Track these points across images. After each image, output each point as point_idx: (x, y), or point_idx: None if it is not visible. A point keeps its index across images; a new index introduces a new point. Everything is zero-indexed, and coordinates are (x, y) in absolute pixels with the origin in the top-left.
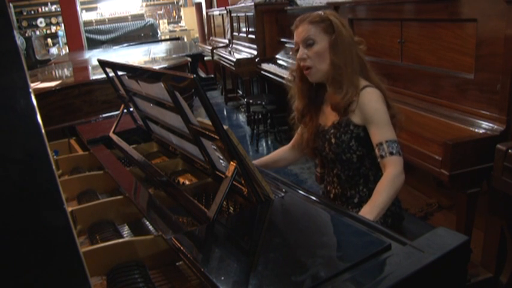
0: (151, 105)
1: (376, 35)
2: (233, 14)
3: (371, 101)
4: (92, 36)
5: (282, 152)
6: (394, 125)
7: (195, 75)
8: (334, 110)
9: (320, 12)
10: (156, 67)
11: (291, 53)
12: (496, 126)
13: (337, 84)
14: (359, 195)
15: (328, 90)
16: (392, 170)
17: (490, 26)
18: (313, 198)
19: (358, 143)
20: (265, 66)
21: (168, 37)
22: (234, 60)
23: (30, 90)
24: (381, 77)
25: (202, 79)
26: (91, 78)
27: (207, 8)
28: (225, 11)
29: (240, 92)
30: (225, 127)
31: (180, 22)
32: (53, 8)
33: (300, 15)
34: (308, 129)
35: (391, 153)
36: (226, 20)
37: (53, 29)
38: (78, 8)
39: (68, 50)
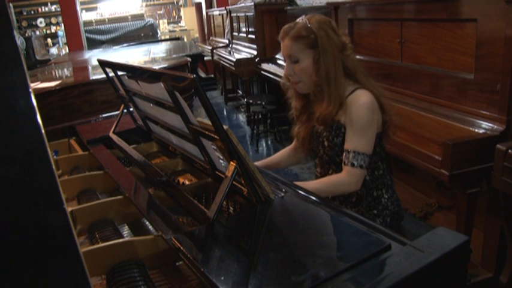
0: (151, 105)
1: (376, 35)
2: (233, 14)
3: (356, 104)
4: (92, 36)
5: (285, 153)
6: (385, 132)
7: (195, 75)
8: (317, 122)
9: (305, 22)
10: (156, 67)
11: None
12: (496, 126)
13: (319, 99)
14: (357, 194)
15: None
16: (344, 178)
17: (490, 26)
18: (313, 198)
19: None
20: (265, 66)
21: (168, 37)
22: (234, 60)
23: (30, 90)
24: (380, 78)
25: (202, 79)
26: (91, 78)
27: (207, 8)
28: (225, 11)
29: (240, 92)
30: (225, 127)
31: (180, 22)
32: (53, 8)
33: (286, 25)
34: (304, 128)
35: (352, 165)
36: (226, 20)
37: (53, 29)
38: (78, 8)
39: (68, 50)
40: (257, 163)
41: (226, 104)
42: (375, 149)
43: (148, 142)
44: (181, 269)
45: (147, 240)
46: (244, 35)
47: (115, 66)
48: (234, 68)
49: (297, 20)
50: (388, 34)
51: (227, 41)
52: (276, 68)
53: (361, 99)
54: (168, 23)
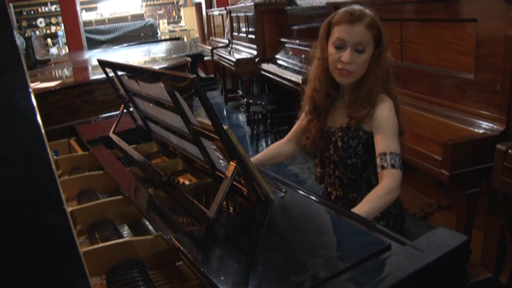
0: (151, 105)
1: None
2: (233, 14)
3: (384, 109)
4: (92, 36)
5: (278, 147)
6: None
7: (195, 75)
8: (351, 117)
9: (372, 14)
10: (156, 67)
11: (291, 53)
12: (496, 126)
13: (367, 96)
14: (361, 198)
15: (349, 96)
16: (390, 182)
17: (490, 26)
18: (313, 198)
19: (365, 149)
20: (265, 66)
21: (168, 37)
22: (234, 60)
23: (30, 90)
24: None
25: (202, 79)
26: (91, 78)
27: (207, 8)
28: (225, 11)
29: (240, 92)
30: (225, 127)
31: (180, 22)
32: (53, 8)
33: (350, 8)
34: (316, 124)
35: (393, 166)
36: (226, 20)
37: (53, 29)
38: (78, 8)
39: (68, 50)
40: (252, 159)
41: (226, 104)
42: None
43: (148, 142)
44: (181, 269)
45: (147, 240)
46: (244, 35)
47: (115, 66)
48: (234, 68)
49: (360, 7)
50: (388, 34)
51: (227, 41)
52: (276, 68)
53: (386, 104)
54: (168, 23)
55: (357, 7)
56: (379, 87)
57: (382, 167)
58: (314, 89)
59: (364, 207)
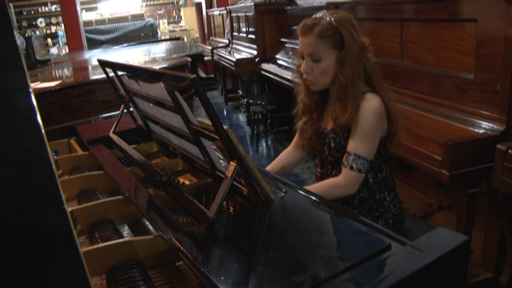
0: (151, 105)
1: (376, 35)
2: (233, 14)
3: (364, 108)
4: (92, 36)
5: (287, 156)
6: (391, 141)
7: (195, 75)
8: (336, 127)
9: (330, 20)
10: (156, 67)
11: (291, 53)
12: (496, 126)
13: (342, 102)
14: (359, 196)
15: (330, 104)
16: (342, 181)
17: (490, 26)
18: (313, 198)
19: None
20: (265, 66)
21: (168, 37)
22: (234, 60)
23: (30, 90)
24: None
25: (202, 79)
26: (91, 78)
27: (207, 8)
28: (225, 11)
29: (240, 92)
30: (225, 127)
31: (180, 22)
32: (53, 8)
33: (307, 19)
34: (311, 126)
35: (351, 167)
36: (226, 20)
37: (53, 29)
38: (78, 8)
39: (68, 50)
40: (267, 168)
41: (226, 104)
42: (379, 152)
43: (148, 142)
44: (181, 269)
45: (147, 240)
46: (244, 35)
47: (115, 66)
48: (234, 68)
49: (318, 14)
50: (388, 34)
51: (227, 41)
52: (276, 68)
53: (369, 104)
54: (168, 23)
55: (317, 16)
56: (355, 92)
57: (343, 164)
58: (306, 96)
59: (312, 190)
